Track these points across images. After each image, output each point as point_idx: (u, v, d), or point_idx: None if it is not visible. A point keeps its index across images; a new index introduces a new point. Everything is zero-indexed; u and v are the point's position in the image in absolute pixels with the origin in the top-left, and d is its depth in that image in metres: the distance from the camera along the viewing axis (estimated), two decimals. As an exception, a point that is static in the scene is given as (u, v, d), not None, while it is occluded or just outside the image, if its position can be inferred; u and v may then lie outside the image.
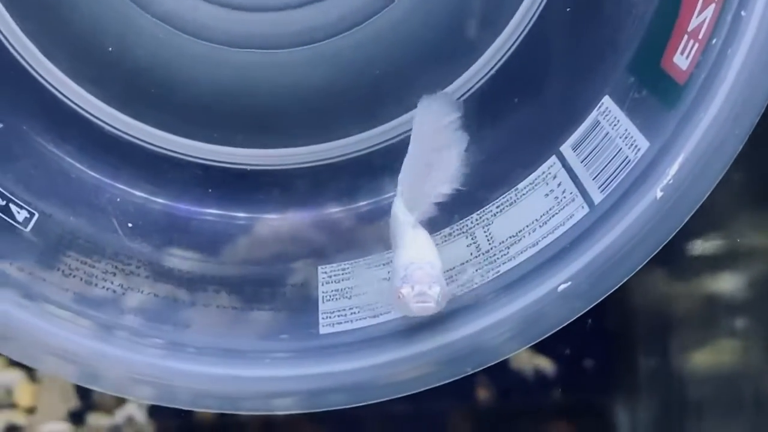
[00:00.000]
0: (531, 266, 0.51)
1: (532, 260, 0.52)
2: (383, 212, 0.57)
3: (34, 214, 0.54)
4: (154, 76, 0.57)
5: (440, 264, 0.48)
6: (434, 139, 0.50)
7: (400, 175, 0.51)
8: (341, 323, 0.53)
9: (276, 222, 0.58)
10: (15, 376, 0.80)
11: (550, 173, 0.54)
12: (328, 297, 0.55)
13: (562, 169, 0.54)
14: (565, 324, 0.49)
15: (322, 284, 0.55)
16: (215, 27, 0.56)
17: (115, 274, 0.54)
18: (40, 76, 0.56)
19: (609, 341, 0.75)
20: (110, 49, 0.56)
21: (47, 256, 0.53)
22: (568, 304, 0.49)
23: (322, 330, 0.53)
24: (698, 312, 0.73)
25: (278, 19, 0.56)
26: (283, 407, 0.50)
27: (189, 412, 0.76)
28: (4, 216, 0.53)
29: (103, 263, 0.54)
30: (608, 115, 0.53)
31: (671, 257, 0.61)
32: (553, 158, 0.55)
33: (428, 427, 0.77)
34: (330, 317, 0.54)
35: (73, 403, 0.79)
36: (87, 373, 0.50)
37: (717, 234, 0.69)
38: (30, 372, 0.80)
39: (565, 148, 0.54)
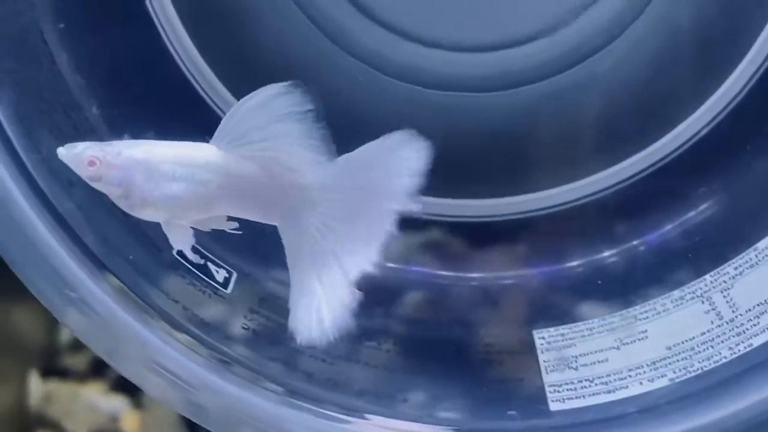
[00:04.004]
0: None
1: (793, 334, 0.47)
2: (595, 274, 0.53)
3: (232, 273, 0.50)
4: (346, 116, 0.53)
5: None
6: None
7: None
8: (572, 399, 0.48)
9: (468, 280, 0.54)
10: (120, 403, 0.78)
11: (800, 231, 0.49)
12: (552, 367, 0.50)
13: (817, 225, 0.49)
14: None
15: (542, 352, 0.50)
16: (416, 67, 0.53)
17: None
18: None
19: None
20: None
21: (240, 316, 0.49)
22: None
23: (553, 406, 0.48)
24: None
25: (479, 60, 0.53)
26: None
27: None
28: (205, 277, 0.49)
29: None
30: None
31: None
32: (803, 212, 0.50)
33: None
34: (558, 391, 0.49)
35: (181, 433, 0.76)
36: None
37: None
38: (135, 398, 0.78)
39: (818, 201, 0.50)
